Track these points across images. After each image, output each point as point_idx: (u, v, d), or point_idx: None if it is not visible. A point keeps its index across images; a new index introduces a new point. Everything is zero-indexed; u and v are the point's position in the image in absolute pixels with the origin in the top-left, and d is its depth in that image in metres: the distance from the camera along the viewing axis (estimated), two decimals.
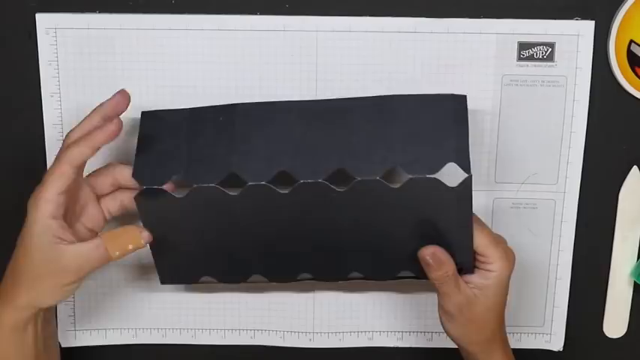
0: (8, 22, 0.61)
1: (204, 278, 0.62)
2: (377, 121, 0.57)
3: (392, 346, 0.68)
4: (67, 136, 0.55)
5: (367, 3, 0.60)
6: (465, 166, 0.54)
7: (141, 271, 0.66)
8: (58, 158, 0.54)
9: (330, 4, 0.60)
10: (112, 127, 0.53)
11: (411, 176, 0.54)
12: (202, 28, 0.61)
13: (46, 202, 0.53)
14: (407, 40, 0.61)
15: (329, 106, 0.58)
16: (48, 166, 0.63)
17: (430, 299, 0.66)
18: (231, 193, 0.55)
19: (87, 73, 0.62)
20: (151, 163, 0.57)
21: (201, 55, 0.61)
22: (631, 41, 0.61)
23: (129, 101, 0.56)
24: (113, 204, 0.58)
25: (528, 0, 0.60)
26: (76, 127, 0.55)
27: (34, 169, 0.63)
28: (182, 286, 0.66)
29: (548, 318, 0.67)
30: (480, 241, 0.56)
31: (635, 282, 0.66)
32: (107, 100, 0.56)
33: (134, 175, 0.56)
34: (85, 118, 0.56)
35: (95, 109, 0.56)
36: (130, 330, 0.68)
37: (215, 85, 0.62)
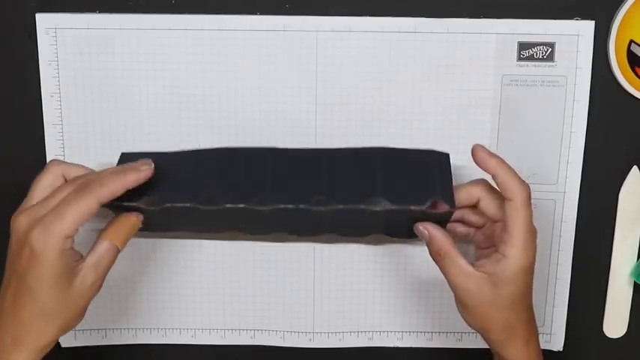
0: (8, 22, 0.61)
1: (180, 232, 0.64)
2: (358, 166, 0.58)
3: (392, 346, 0.68)
4: (84, 176, 0.54)
5: (367, 3, 0.60)
6: (450, 201, 0.54)
7: (141, 271, 0.66)
8: (84, 190, 0.51)
9: (330, 4, 0.60)
10: (147, 172, 0.54)
11: (394, 207, 0.55)
12: (202, 28, 0.61)
13: (67, 240, 0.50)
14: (407, 40, 0.61)
15: (308, 154, 0.59)
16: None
17: (431, 300, 0.66)
18: (205, 208, 0.56)
19: (87, 73, 0.62)
20: None
21: (201, 55, 0.61)
22: (631, 41, 0.61)
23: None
24: None
25: (528, 0, 0.60)
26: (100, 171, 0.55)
27: (34, 169, 0.63)
28: (182, 285, 0.66)
29: (548, 318, 0.67)
30: (516, 223, 0.53)
31: (635, 282, 0.66)
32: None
33: None
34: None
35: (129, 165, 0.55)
36: (130, 330, 0.68)
37: (215, 85, 0.62)
